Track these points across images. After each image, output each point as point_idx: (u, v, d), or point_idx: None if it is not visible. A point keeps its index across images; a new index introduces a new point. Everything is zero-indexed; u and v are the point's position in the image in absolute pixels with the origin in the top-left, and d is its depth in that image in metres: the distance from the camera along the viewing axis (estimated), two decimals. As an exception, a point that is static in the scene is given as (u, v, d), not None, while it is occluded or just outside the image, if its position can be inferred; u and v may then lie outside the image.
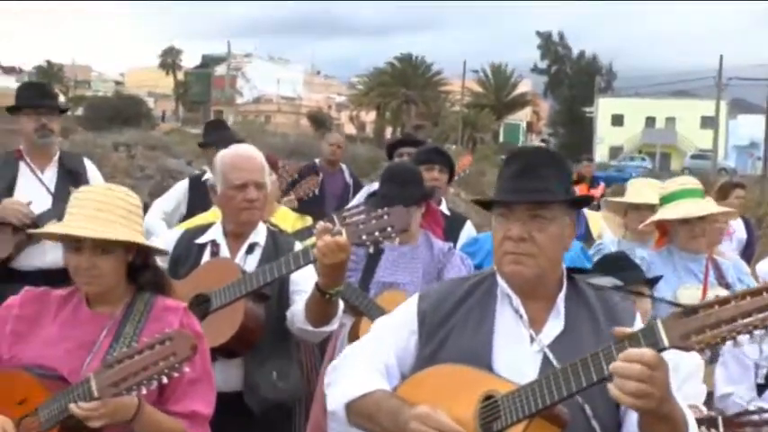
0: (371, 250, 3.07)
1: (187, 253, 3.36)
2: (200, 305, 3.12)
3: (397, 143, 6.07)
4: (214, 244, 3.37)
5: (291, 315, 3.21)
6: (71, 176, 4.60)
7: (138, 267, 2.62)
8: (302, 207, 5.59)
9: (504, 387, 2.04)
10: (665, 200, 4.22)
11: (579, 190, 7.39)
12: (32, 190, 4.55)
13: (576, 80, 65.14)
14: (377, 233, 2.86)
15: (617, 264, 3.45)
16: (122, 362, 2.29)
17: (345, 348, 2.45)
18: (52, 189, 4.59)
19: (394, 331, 2.32)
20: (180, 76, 67.42)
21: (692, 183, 4.33)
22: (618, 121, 59.84)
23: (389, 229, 2.85)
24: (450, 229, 4.50)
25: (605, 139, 57.28)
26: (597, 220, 6.11)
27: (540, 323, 2.20)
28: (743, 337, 1.77)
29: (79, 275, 2.51)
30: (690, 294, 3.90)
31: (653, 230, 4.44)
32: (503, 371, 2.12)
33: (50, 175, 4.65)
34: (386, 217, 2.87)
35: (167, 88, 67.27)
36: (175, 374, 2.29)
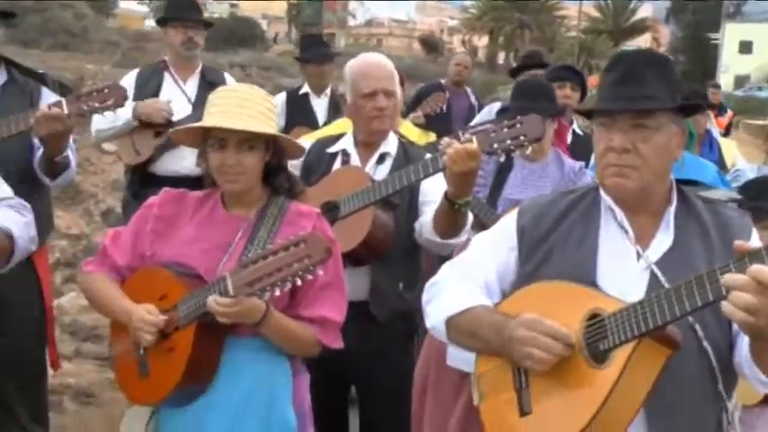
0: (502, 159, 3.00)
1: (318, 161, 3.36)
2: (329, 212, 3.11)
3: (523, 66, 5.92)
4: (345, 153, 3.35)
5: (419, 226, 3.18)
6: (211, 88, 4.69)
7: (274, 170, 2.62)
8: (428, 124, 5.54)
9: (611, 305, 1.93)
10: None
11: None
12: (175, 98, 4.69)
13: (701, 4, 61.99)
14: (509, 141, 2.77)
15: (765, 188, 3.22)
16: (257, 262, 2.31)
17: (444, 265, 2.39)
18: (193, 98, 4.73)
19: (493, 247, 2.25)
20: (293, -3, 67.59)
21: None
22: (746, 48, 56.72)
23: (522, 137, 2.76)
24: (583, 148, 4.37)
25: (731, 67, 54.60)
26: (731, 148, 5.82)
27: (647, 238, 2.07)
28: None
29: (223, 173, 2.51)
30: None
31: None
32: (608, 288, 2.01)
33: (192, 85, 4.80)
34: (518, 126, 2.77)
35: (280, 10, 67.53)
36: (309, 277, 2.30)
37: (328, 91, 5.95)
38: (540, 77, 4.85)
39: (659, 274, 1.98)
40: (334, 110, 5.58)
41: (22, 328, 3.70)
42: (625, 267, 2.04)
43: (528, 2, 52.00)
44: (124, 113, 4.47)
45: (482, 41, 56.37)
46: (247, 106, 2.51)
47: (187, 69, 4.82)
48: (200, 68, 4.85)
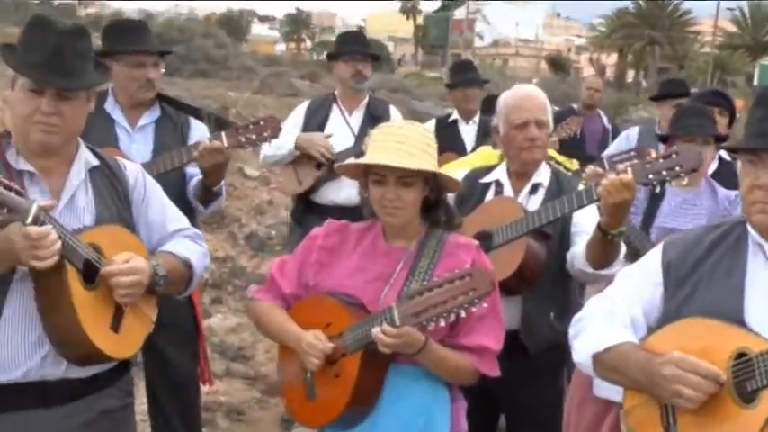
0: (658, 190, 2.99)
1: (471, 191, 3.42)
2: (483, 242, 3.19)
3: (666, 94, 5.85)
4: (498, 184, 3.41)
5: (572, 256, 3.21)
6: (375, 121, 4.88)
7: (433, 204, 2.72)
8: (562, 149, 5.55)
9: (759, 344, 1.93)
10: None
11: None
12: (339, 131, 4.90)
13: None
14: (664, 172, 2.79)
15: None
16: (423, 294, 2.42)
17: (590, 299, 2.41)
18: (356, 131, 4.92)
19: (639, 282, 2.26)
20: (419, 20, 68.25)
21: None
22: None
23: (678, 168, 2.77)
24: (728, 175, 4.30)
25: None
26: None
27: None
28: None
29: (383, 207, 2.63)
30: None
31: None
32: (756, 326, 2.00)
33: (357, 118, 4.98)
34: (674, 156, 2.79)
35: (407, 32, 68.38)
36: (473, 309, 2.38)
37: (476, 118, 6.04)
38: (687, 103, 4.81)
39: None
40: (482, 137, 5.65)
41: (176, 346, 3.93)
42: None
43: (659, 18, 50.76)
44: (288, 143, 4.71)
45: (610, 59, 55.43)
46: (407, 143, 2.62)
47: (354, 102, 5.00)
48: (366, 101, 5.03)
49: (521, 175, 3.39)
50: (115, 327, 2.43)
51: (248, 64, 21.18)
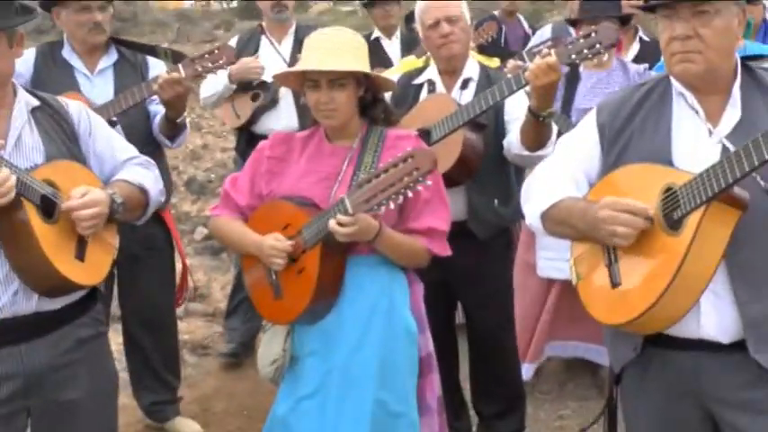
0: (582, 68, 3.13)
1: (405, 93, 3.55)
2: (422, 138, 3.33)
3: None
4: (430, 82, 3.54)
5: (508, 143, 3.36)
6: None
7: (369, 102, 2.86)
8: (487, 54, 5.67)
9: (683, 178, 2.10)
10: None
11: None
12: (271, 60, 4.92)
13: None
14: (585, 50, 2.95)
15: None
16: (371, 181, 2.56)
17: (536, 167, 2.60)
18: (287, 58, 4.95)
19: (578, 146, 2.44)
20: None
21: None
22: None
23: (598, 45, 2.93)
24: (650, 55, 4.49)
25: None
26: None
27: (718, 116, 2.22)
28: None
29: (319, 110, 2.77)
30: None
31: None
32: (682, 164, 2.18)
33: (287, 45, 5.01)
34: (593, 35, 2.95)
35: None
36: (419, 188, 2.53)
37: (398, 33, 6.09)
38: None
39: (730, 146, 2.14)
40: (407, 50, 5.72)
41: (153, 280, 4.06)
42: (698, 145, 2.22)
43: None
44: (222, 79, 4.77)
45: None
46: (336, 47, 2.75)
47: (281, 31, 5.03)
48: (293, 28, 5.06)
49: (449, 72, 3.52)
50: (80, 256, 2.51)
51: (160, 18, 20.68)
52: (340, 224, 2.59)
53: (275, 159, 2.91)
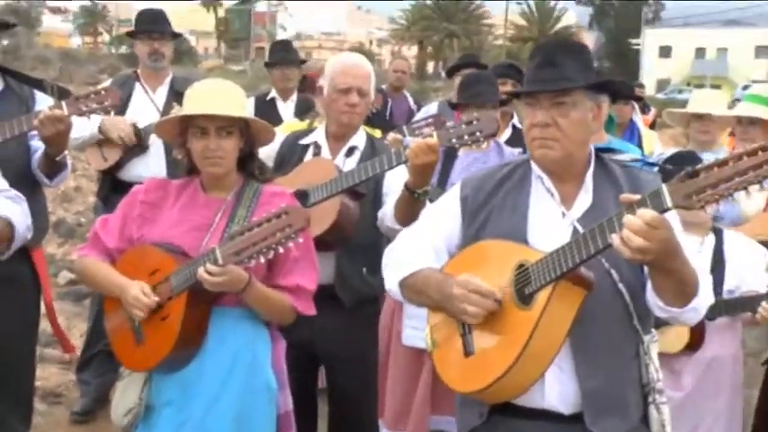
0: (460, 153, 3.23)
1: (291, 152, 3.60)
2: (299, 200, 3.37)
3: (460, 64, 6.27)
4: (316, 145, 3.60)
5: (382, 215, 3.44)
6: (179, 97, 4.92)
7: (247, 156, 2.91)
8: (372, 126, 5.84)
9: (536, 256, 2.26)
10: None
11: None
12: (143, 108, 4.90)
13: (621, 11, 63.78)
14: (466, 137, 3.08)
15: (686, 159, 3.54)
16: (243, 234, 2.59)
17: (399, 234, 2.71)
18: (161, 107, 4.92)
19: (440, 216, 2.58)
20: (221, 12, 67.32)
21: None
22: (666, 52, 58.75)
23: (478, 133, 3.07)
24: (521, 140, 4.71)
25: (652, 71, 56.31)
26: (651, 139, 6.29)
27: (571, 200, 2.41)
28: (739, 194, 1.94)
29: (206, 157, 2.79)
30: (754, 202, 4.01)
31: (714, 140, 4.64)
32: (538, 245, 2.34)
33: (161, 94, 4.98)
34: (475, 122, 3.08)
35: (209, 26, 67.29)
36: (290, 244, 2.57)
37: (294, 96, 6.19)
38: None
39: (580, 228, 2.32)
40: (300, 114, 5.81)
41: (12, 320, 3.84)
42: (552, 226, 2.39)
43: (455, 12, 52.86)
44: (90, 126, 4.68)
45: (411, 52, 57.11)
46: (223, 96, 2.81)
47: (156, 79, 5.01)
48: (169, 78, 5.05)
49: (338, 137, 3.59)
50: None
51: (43, 54, 20.26)
52: (209, 273, 2.61)
53: (148, 205, 2.91)
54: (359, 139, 3.61)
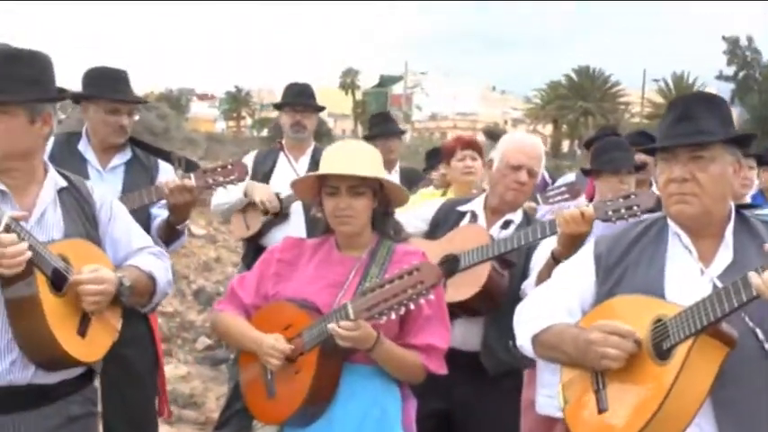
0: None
1: (446, 218, 3.65)
2: (450, 263, 3.38)
3: (599, 136, 6.22)
4: (473, 214, 3.63)
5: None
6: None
7: (381, 216, 2.96)
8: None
9: (674, 310, 2.18)
10: None
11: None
12: (286, 176, 4.98)
13: (765, 86, 61.66)
14: (623, 210, 3.06)
15: None
16: (375, 290, 2.63)
17: (532, 292, 2.67)
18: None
19: (574, 275, 2.54)
20: (358, 95, 69.25)
21: None
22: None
23: (636, 207, 3.05)
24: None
25: (800, 147, 53.90)
26: None
27: (710, 258, 2.33)
28: None
29: (337, 216, 2.86)
30: None
31: None
32: (675, 301, 2.25)
33: (303, 164, 5.20)
34: (633, 197, 3.08)
35: (346, 108, 69.33)
36: (422, 301, 2.59)
37: (397, 167, 6.27)
38: None
39: (720, 285, 2.21)
40: (405, 185, 5.86)
41: (135, 383, 4.03)
42: (690, 283, 2.31)
43: (591, 90, 52.54)
44: (236, 190, 4.90)
45: (546, 130, 56.97)
46: (356, 156, 2.89)
47: (299, 150, 5.23)
48: (312, 148, 5.26)
49: (497, 211, 3.60)
50: (82, 332, 2.57)
51: (191, 137, 21.38)
52: (341, 328, 2.64)
53: (284, 263, 2.98)
54: (516, 215, 3.60)
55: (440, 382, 2.98)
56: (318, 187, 2.93)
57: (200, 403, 6.17)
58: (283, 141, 5.34)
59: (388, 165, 6.22)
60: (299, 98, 5.31)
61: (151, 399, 4.15)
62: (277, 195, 4.96)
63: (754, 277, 1.99)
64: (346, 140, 3.08)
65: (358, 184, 2.83)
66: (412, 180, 5.91)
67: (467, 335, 3.40)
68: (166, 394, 4.31)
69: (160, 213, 3.96)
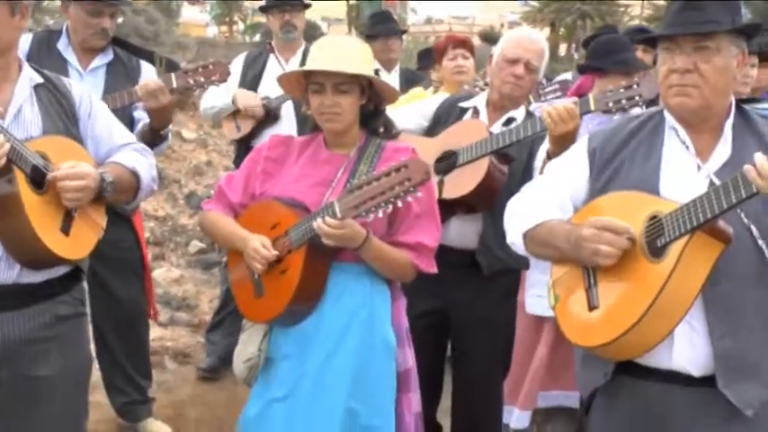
0: (616, 117, 3.12)
1: (448, 114, 3.56)
2: (449, 159, 3.31)
3: (596, 35, 6.08)
4: (475, 110, 3.54)
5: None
6: None
7: (371, 113, 2.88)
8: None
9: (669, 207, 2.12)
10: None
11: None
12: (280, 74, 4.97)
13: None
14: (624, 101, 2.98)
15: None
16: (362, 188, 2.57)
17: (524, 187, 2.60)
18: None
19: (566, 170, 2.46)
20: (352, -1, 67.97)
21: None
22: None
23: (638, 97, 2.96)
24: None
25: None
26: None
27: (707, 153, 2.25)
28: None
29: (322, 113, 2.78)
30: None
31: None
32: (670, 197, 2.19)
33: (294, 65, 4.98)
34: (635, 86, 2.97)
35: (340, 12, 68.07)
36: (409, 198, 2.54)
37: (397, 68, 6.13)
38: None
39: (717, 182, 2.15)
40: (405, 85, 5.77)
41: (123, 282, 4.04)
42: (686, 179, 2.24)
43: (589, -8, 51.54)
44: (224, 95, 4.82)
45: (543, 34, 56.05)
46: (343, 52, 2.78)
47: (289, 50, 5.06)
48: (302, 49, 5.08)
49: (498, 107, 3.51)
50: (65, 230, 2.52)
51: (181, 41, 20.94)
52: (327, 226, 2.60)
53: (272, 161, 2.92)
54: (518, 112, 3.52)
55: (435, 281, 2.96)
56: (306, 84, 2.84)
57: (193, 306, 6.20)
58: (272, 42, 5.19)
59: (389, 64, 6.11)
60: None
61: (139, 300, 4.15)
62: (267, 97, 4.86)
63: (750, 171, 1.93)
64: (334, 35, 2.96)
65: (343, 81, 2.74)
66: (412, 81, 5.79)
67: (463, 233, 3.35)
68: (153, 297, 4.32)
69: (143, 117, 3.88)
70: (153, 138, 3.82)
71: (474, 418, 3.67)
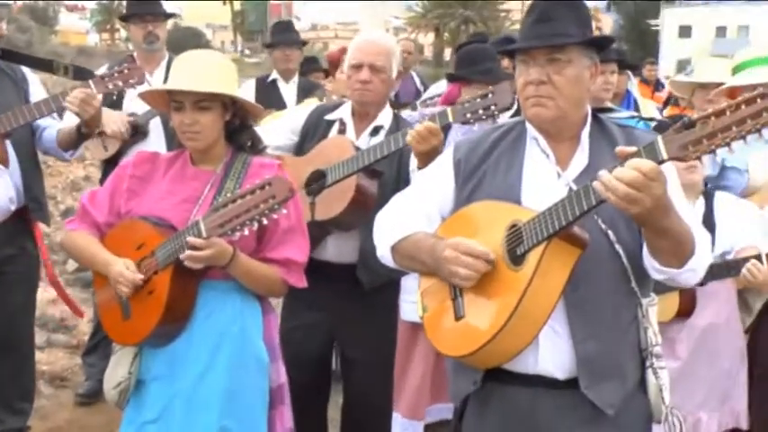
0: (476, 128, 3.14)
1: (316, 128, 3.51)
2: (318, 180, 3.29)
3: (467, 43, 6.18)
4: (342, 122, 3.50)
5: None
6: None
7: (236, 128, 2.85)
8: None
9: (528, 215, 2.17)
10: (737, 69, 4.12)
11: (642, 93, 7.44)
12: (140, 90, 4.81)
13: (640, -8, 63.06)
14: (480, 111, 2.98)
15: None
16: (227, 206, 2.53)
17: (390, 200, 2.62)
18: None
19: (433, 181, 2.49)
20: (237, 5, 67.26)
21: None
22: (685, 32, 57.81)
23: (493, 107, 2.97)
24: None
25: (672, 52, 55.55)
26: (649, 108, 6.17)
27: (567, 161, 2.32)
28: (737, 144, 1.86)
29: (183, 131, 2.74)
30: (762, 159, 3.86)
31: None
32: (532, 205, 2.24)
33: (158, 78, 4.86)
34: (490, 96, 2.98)
35: (225, 19, 67.32)
36: (274, 216, 2.51)
37: (296, 78, 6.10)
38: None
39: (575, 189, 2.19)
40: (303, 95, 5.75)
41: (16, 297, 3.90)
42: (547, 187, 2.29)
43: (471, -2, 52.58)
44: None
45: (428, 39, 56.82)
46: (203, 69, 2.74)
47: (152, 62, 4.89)
48: (165, 60, 4.93)
49: (362, 115, 3.48)
50: None
51: (58, 50, 20.34)
52: (193, 246, 2.55)
53: (137, 178, 2.85)
54: (385, 119, 3.49)
55: (317, 294, 2.94)
56: (169, 100, 2.79)
57: (72, 327, 5.98)
58: (134, 54, 4.98)
59: (287, 74, 6.08)
60: (148, 7, 4.92)
61: (29, 323, 4.07)
62: (134, 113, 4.72)
63: (596, 181, 1.99)
64: (197, 51, 2.90)
65: (203, 98, 2.70)
66: (308, 91, 5.77)
67: (341, 249, 3.34)
68: (68, 300, 4.18)
69: (45, 124, 3.82)
70: (79, 141, 3.83)
71: (362, 426, 3.67)
